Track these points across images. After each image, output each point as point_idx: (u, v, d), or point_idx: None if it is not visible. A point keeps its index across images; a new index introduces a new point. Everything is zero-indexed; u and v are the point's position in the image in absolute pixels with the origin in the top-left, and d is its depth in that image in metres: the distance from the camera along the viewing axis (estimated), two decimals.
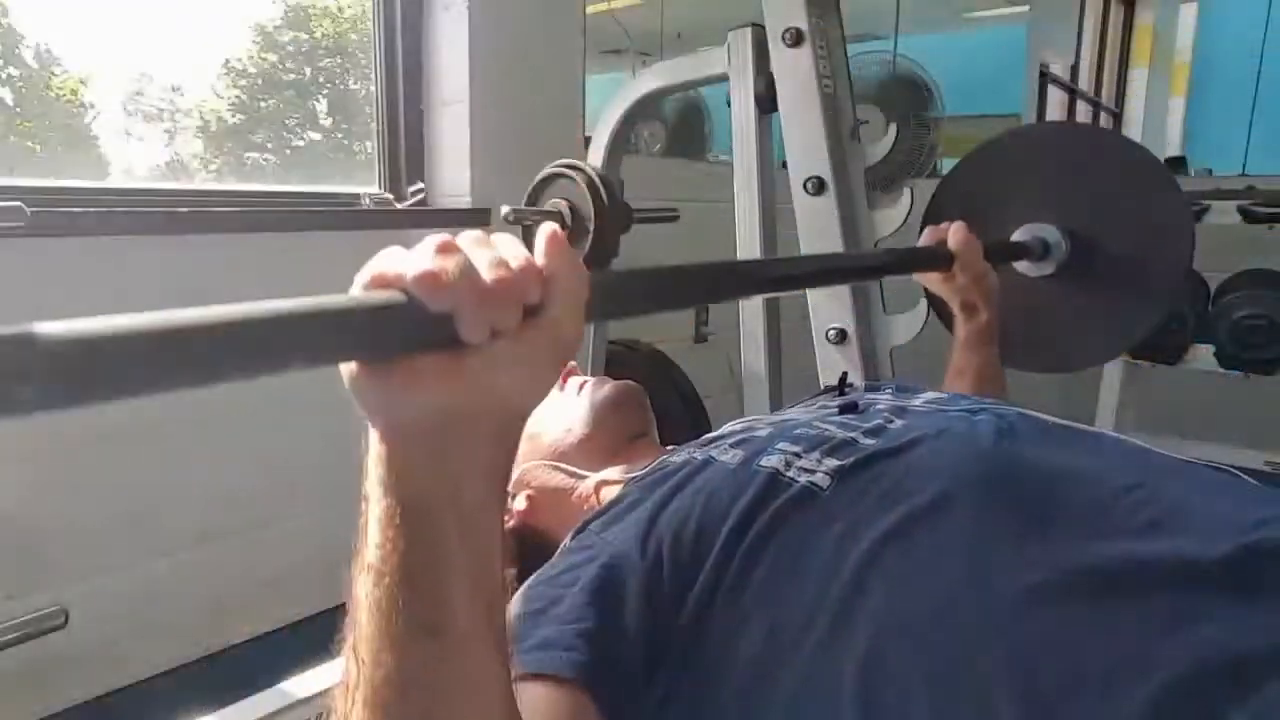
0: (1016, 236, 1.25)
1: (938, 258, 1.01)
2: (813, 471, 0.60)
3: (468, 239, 0.42)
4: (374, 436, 0.43)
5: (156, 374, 0.32)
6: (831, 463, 0.61)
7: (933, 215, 1.28)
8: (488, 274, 0.40)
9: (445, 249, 0.40)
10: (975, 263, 1.03)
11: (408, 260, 0.40)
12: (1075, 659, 0.46)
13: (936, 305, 1.26)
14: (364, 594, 0.42)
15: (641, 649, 0.55)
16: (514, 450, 0.46)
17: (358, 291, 0.41)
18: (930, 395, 0.79)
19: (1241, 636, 0.44)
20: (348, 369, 0.41)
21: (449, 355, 0.40)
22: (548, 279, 0.42)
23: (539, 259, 0.43)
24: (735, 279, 0.64)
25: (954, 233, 1.03)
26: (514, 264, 0.41)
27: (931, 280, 1.07)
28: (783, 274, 0.67)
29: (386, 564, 0.41)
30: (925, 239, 1.07)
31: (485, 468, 0.43)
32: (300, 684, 0.99)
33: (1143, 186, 1.22)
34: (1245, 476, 0.60)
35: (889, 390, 0.82)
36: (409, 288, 0.39)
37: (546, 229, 0.44)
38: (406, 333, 0.39)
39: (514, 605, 0.58)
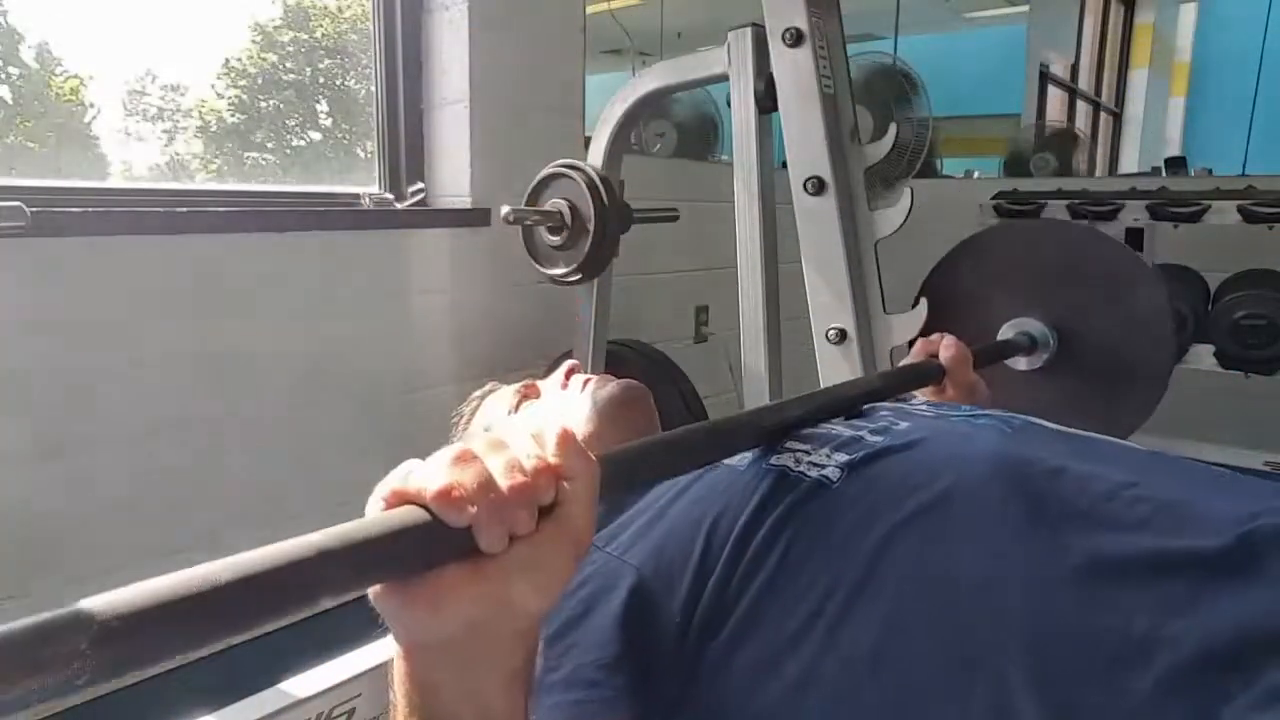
0: (1004, 333, 1.29)
1: (929, 373, 1.04)
2: (822, 466, 0.61)
3: (482, 445, 0.42)
4: (398, 651, 0.44)
5: (198, 635, 0.34)
6: (841, 457, 0.62)
7: (925, 300, 1.36)
8: (504, 480, 0.40)
9: (461, 460, 0.41)
10: (965, 375, 1.05)
11: (426, 475, 0.40)
12: (1085, 643, 0.47)
13: None
14: None
15: (666, 659, 0.56)
16: (533, 653, 0.46)
17: (376, 505, 0.41)
18: (926, 401, 0.79)
19: (1243, 620, 0.45)
20: (373, 589, 0.41)
21: (469, 564, 0.40)
22: (561, 476, 0.43)
23: (551, 456, 0.43)
24: (732, 435, 0.65)
25: (944, 349, 1.05)
26: (528, 465, 0.42)
27: (924, 392, 1.09)
28: (782, 420, 0.69)
29: None
30: (916, 351, 1.09)
31: (507, 675, 0.44)
32: (300, 684, 0.99)
33: (1123, 280, 1.27)
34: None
35: None
36: (430, 505, 0.39)
37: (556, 429, 0.44)
38: (429, 550, 0.40)
39: None
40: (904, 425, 0.67)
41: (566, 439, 0.44)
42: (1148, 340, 1.24)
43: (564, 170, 1.48)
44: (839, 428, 0.68)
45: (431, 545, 0.40)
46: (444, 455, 0.42)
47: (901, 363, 1.11)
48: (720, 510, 0.60)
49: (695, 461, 0.63)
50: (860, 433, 0.66)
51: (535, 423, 0.44)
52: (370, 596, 0.41)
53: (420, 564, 0.40)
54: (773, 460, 0.63)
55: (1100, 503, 0.54)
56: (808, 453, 0.63)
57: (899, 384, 0.97)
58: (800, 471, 0.61)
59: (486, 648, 0.43)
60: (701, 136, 3.19)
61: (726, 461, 0.67)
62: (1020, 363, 1.28)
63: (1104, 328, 1.26)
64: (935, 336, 1.08)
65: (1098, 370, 1.26)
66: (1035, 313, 1.28)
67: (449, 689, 0.43)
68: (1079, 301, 1.27)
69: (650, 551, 0.60)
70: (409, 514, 0.40)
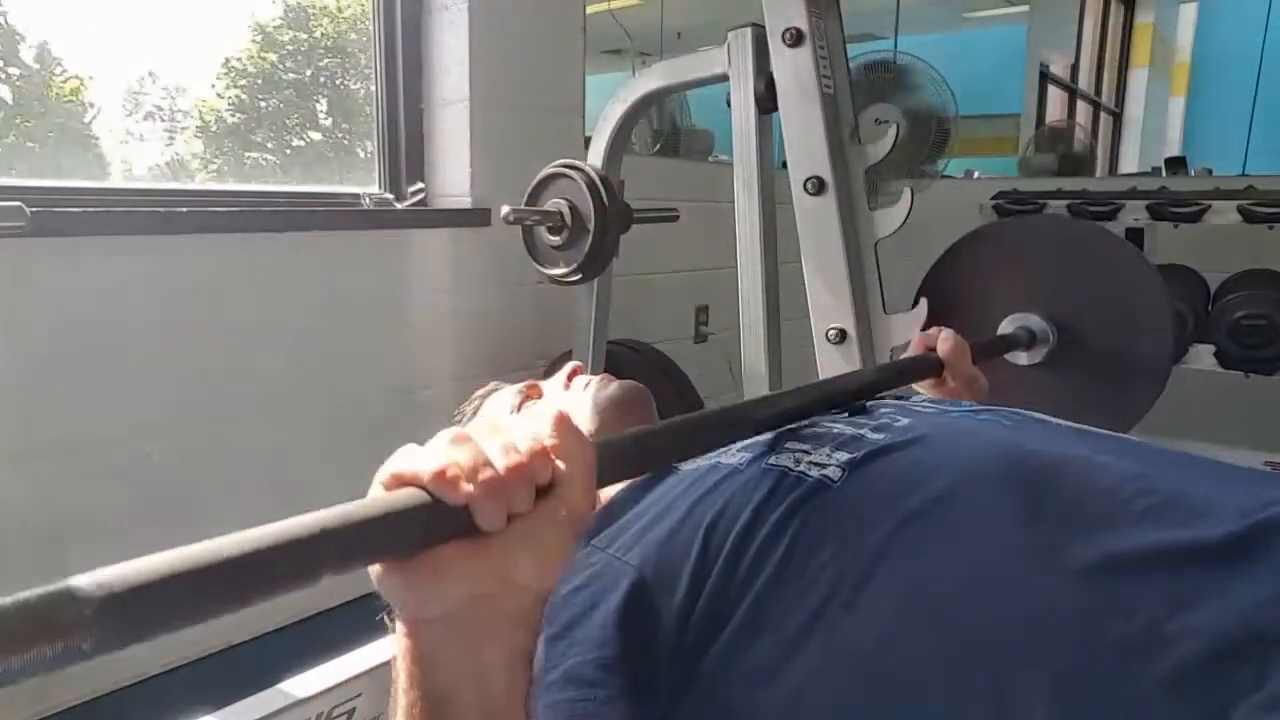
0: (1003, 328, 1.29)
1: (929, 366, 1.04)
2: (824, 465, 0.61)
3: (479, 428, 0.44)
4: (400, 630, 0.45)
5: (202, 605, 0.35)
6: (842, 456, 0.61)
7: (925, 300, 1.36)
8: (500, 461, 0.42)
9: (458, 441, 0.42)
10: (964, 367, 1.05)
11: (423, 458, 0.42)
12: (1093, 639, 0.46)
13: None
14: None
15: (663, 660, 0.56)
16: (535, 635, 0.47)
17: (377, 490, 0.42)
18: (926, 397, 0.79)
19: (1253, 612, 0.45)
20: (374, 568, 0.42)
21: (468, 541, 0.42)
22: (557, 457, 0.44)
23: (547, 438, 0.44)
24: (729, 425, 0.66)
25: (942, 341, 1.05)
26: (524, 447, 0.43)
27: (924, 386, 1.10)
28: (779, 411, 0.69)
29: None
30: (915, 346, 1.09)
31: (509, 654, 0.45)
32: (300, 684, 0.99)
33: (1121, 275, 1.27)
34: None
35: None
36: (427, 486, 0.41)
37: (551, 412, 0.46)
38: (428, 529, 0.41)
39: None
40: (905, 422, 0.67)
41: (561, 420, 0.45)
42: (1147, 336, 1.25)
43: (564, 170, 1.48)
44: (840, 425, 0.67)
45: (430, 524, 0.41)
46: (441, 437, 0.43)
47: (900, 357, 1.12)
48: (719, 511, 0.60)
49: (691, 449, 0.63)
50: (861, 430, 0.65)
51: (533, 414, 0.45)
52: (373, 578, 0.42)
53: (420, 542, 0.41)
54: (771, 460, 0.63)
55: (1104, 496, 0.53)
56: (808, 452, 0.63)
57: (897, 378, 0.97)
58: (801, 472, 0.61)
59: (488, 625, 0.43)
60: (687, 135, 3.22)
61: (725, 461, 0.66)
62: (1021, 357, 1.29)
63: (1103, 323, 1.26)
64: (933, 330, 1.08)
65: (1097, 365, 1.26)
66: (1034, 308, 1.28)
67: (451, 666, 0.43)
68: (1078, 297, 1.27)
69: (651, 552, 0.60)
70: (408, 495, 0.41)
